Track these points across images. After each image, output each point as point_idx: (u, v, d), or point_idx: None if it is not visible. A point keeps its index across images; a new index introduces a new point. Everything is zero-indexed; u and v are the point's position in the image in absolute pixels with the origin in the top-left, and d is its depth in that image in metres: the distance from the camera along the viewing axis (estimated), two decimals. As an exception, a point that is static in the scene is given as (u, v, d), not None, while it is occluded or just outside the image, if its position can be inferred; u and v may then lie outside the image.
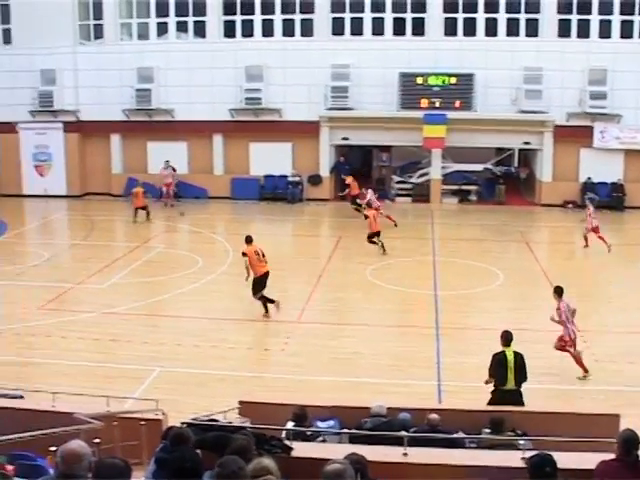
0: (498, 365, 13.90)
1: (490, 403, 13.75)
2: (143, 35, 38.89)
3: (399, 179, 37.56)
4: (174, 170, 37.40)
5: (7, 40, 39.60)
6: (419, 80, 35.27)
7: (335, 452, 8.30)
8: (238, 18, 37.46)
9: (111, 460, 5.58)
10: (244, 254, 21.14)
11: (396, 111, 35.37)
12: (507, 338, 14.09)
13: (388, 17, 36.15)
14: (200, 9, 37.61)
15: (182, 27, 38.28)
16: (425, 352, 18.15)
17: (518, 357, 13.89)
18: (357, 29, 36.43)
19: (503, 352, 13.96)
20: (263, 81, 36.65)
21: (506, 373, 13.80)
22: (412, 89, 35.29)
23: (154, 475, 7.74)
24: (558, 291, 17.04)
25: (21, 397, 12.87)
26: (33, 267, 26.93)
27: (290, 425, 10.67)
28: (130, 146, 39.42)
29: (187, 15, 37.93)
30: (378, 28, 36.30)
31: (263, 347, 19.01)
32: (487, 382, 14.10)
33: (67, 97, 38.81)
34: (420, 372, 17.02)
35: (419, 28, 35.93)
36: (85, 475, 5.84)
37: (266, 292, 21.09)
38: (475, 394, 14.91)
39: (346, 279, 24.84)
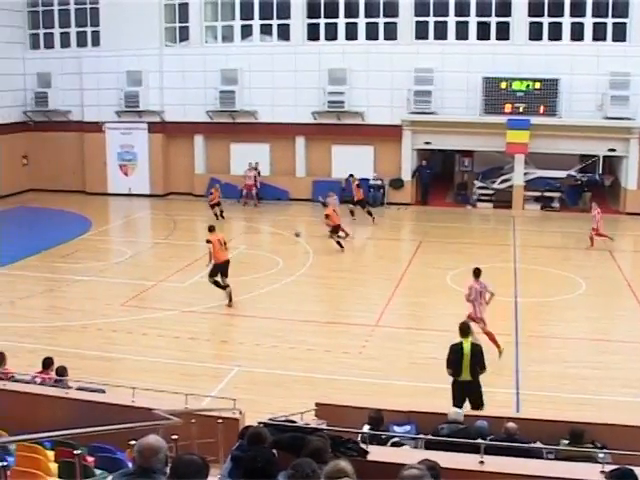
0: (453, 355, 14.24)
1: (453, 397, 14.11)
2: (227, 37, 39.31)
3: (481, 184, 37.22)
4: (259, 173, 37.74)
5: (95, 42, 40.48)
6: (503, 85, 34.94)
7: (411, 457, 8.30)
8: (322, 21, 37.62)
9: (189, 457, 5.67)
10: (208, 241, 22.50)
11: (479, 116, 35.08)
12: (464, 329, 14.45)
13: (472, 21, 35.87)
14: (284, 12, 37.86)
15: (266, 30, 38.59)
16: (503, 360, 17.99)
17: (474, 348, 14.23)
18: (441, 33, 36.23)
19: (460, 343, 14.28)
20: (346, 84, 36.71)
21: (461, 364, 14.10)
22: (496, 94, 34.96)
23: (230, 473, 7.84)
24: (476, 272, 18.71)
25: (102, 391, 13.15)
26: (116, 264, 27.47)
27: (366, 428, 10.71)
28: (213, 147, 39.88)
29: (271, 18, 38.22)
30: (462, 32, 36.04)
31: (341, 350, 19.03)
32: (450, 374, 14.36)
33: (152, 98, 39.49)
34: (498, 380, 16.86)
35: (503, 32, 35.56)
36: (162, 469, 5.95)
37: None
38: (554, 404, 14.78)
39: (426, 284, 24.75)
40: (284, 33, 38.22)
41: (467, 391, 14.11)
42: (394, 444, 10.40)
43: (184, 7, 39.23)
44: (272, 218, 35.28)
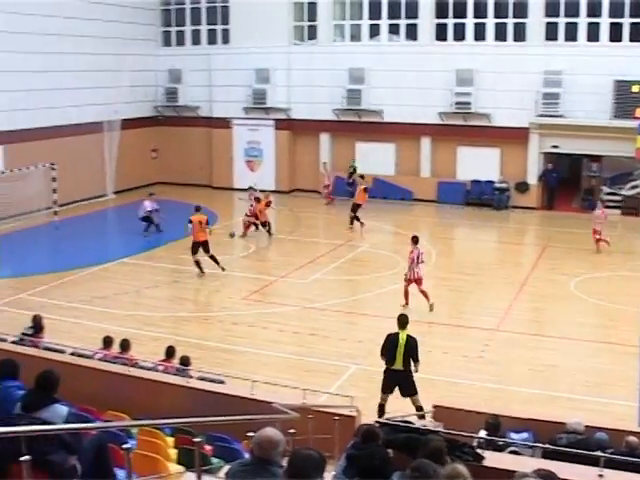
0: (388, 345, 14.93)
1: (382, 383, 14.89)
2: (355, 36, 39.43)
3: (609, 190, 36.30)
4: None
5: (225, 40, 41.27)
6: (635, 88, 33.86)
7: (527, 465, 8.18)
8: (450, 21, 37.32)
9: (307, 451, 5.71)
10: (190, 221, 25.49)
11: (609, 120, 34.14)
12: (402, 321, 15.12)
13: (604, 22, 34.88)
14: (412, 11, 37.71)
15: (394, 29, 38.54)
16: (627, 371, 17.49)
17: (410, 340, 14.82)
18: (571, 34, 35.41)
19: (397, 334, 14.94)
20: (473, 85, 36.34)
21: (395, 354, 14.75)
22: (627, 97, 33.94)
23: (344, 471, 7.87)
24: (414, 239, 22.44)
25: (222, 382, 13.39)
26: (240, 258, 27.93)
27: (483, 434, 10.60)
28: (339, 145, 40.06)
29: (399, 17, 38.14)
30: (593, 33, 35.12)
31: (460, 353, 18.88)
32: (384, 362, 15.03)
33: (279, 95, 39.94)
34: (620, 391, 16.45)
35: (637, 33, 34.52)
36: (279, 462, 6.03)
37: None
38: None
39: (549, 290, 24.30)
40: (412, 33, 38.08)
41: (398, 380, 14.80)
42: (512, 452, 10.27)
43: (313, 6, 39.55)
44: (395, 218, 35.21)
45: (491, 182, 36.97)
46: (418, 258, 22.01)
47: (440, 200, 37.67)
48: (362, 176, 34.17)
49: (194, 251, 25.47)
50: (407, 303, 21.92)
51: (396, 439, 8.69)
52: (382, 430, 8.42)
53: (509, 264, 27.55)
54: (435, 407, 12.73)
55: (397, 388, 14.90)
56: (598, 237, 28.37)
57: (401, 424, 9.81)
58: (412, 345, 14.79)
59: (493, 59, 35.96)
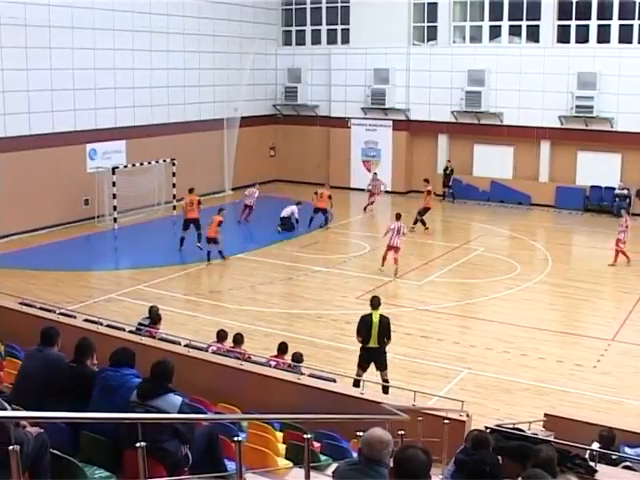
0: (362, 325, 15.95)
1: (358, 360, 15.95)
2: (475, 38, 39.06)
3: None
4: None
5: (345, 40, 41.45)
6: None
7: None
8: (573, 23, 36.58)
9: (414, 450, 5.68)
10: (182, 199, 28.87)
11: None
12: (373, 303, 16.24)
13: None
14: (534, 13, 37.12)
15: (515, 31, 38.03)
16: None
17: (383, 320, 15.94)
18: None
19: (370, 314, 15.99)
20: (596, 89, 35.56)
21: (370, 332, 15.78)
22: None
23: (452, 475, 7.82)
24: (397, 216, 26.12)
25: (333, 380, 13.45)
26: (355, 257, 28.00)
27: (596, 446, 10.38)
28: (457, 147, 39.77)
29: (521, 19, 37.60)
30: None
31: (574, 361, 18.53)
32: (358, 341, 16.06)
33: (398, 96, 39.87)
34: None
35: None
36: (387, 462, 6.02)
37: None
38: None
39: (669, 300, 23.64)
40: (533, 35, 37.51)
41: (373, 356, 15.88)
42: (626, 467, 10.03)
43: (433, 7, 39.35)
44: (512, 222, 34.77)
45: (611, 188, 36.12)
46: (399, 230, 25.53)
47: (558, 205, 36.99)
48: (427, 180, 33.82)
49: (184, 228, 28.21)
50: (382, 265, 25.78)
51: (507, 446, 8.59)
52: (493, 437, 8.34)
53: (628, 273, 26.85)
54: (546, 416, 12.53)
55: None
56: (618, 249, 27.31)
57: (512, 431, 9.69)
58: (385, 324, 15.93)
59: (617, 62, 35.10)
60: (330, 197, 32.48)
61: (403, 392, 13.27)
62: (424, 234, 31.36)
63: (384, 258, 25.87)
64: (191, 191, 28.92)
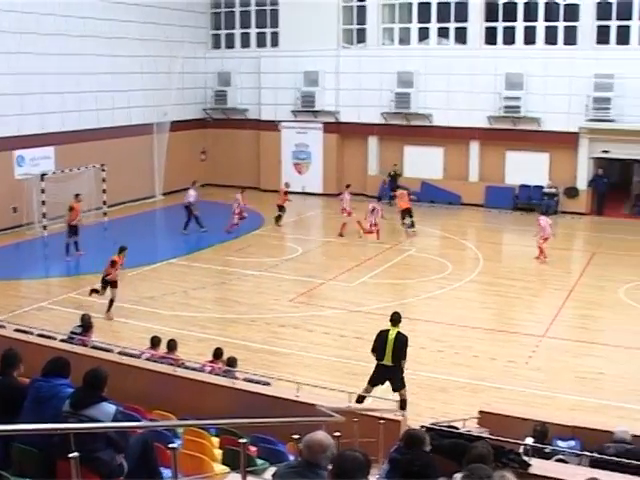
0: (378, 341, 15.33)
1: (371, 376, 15.24)
2: (404, 40, 39.36)
3: (660, 196, 35.86)
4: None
5: (274, 43, 41.49)
6: (687, 92, 33.41)
7: (574, 474, 8.12)
8: (500, 25, 37.12)
9: (352, 453, 5.69)
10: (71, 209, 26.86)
11: (661, 125, 33.75)
12: (393, 319, 15.60)
13: (657, 25, 34.58)
14: (462, 15, 37.58)
15: (443, 33, 38.43)
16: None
17: (399, 337, 15.19)
18: (623, 37, 34.99)
19: (387, 330, 15.35)
20: (523, 89, 36.09)
21: (384, 349, 15.12)
22: (680, 102, 33.50)
23: (387, 474, 7.86)
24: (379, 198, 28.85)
25: (268, 384, 13.42)
26: (287, 261, 27.99)
27: (529, 441, 10.51)
28: (387, 149, 40.00)
29: (449, 21, 38.03)
30: (646, 36, 34.82)
31: (507, 358, 18.76)
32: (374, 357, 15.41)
33: (328, 98, 40.00)
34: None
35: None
36: (326, 466, 6.01)
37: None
38: None
39: (598, 296, 24.07)
40: (461, 36, 37.94)
41: (387, 375, 15.20)
42: (559, 460, 10.17)
43: (362, 9, 39.58)
44: (442, 222, 35.07)
45: (540, 187, 36.70)
46: (374, 210, 30.02)
47: (488, 205, 37.45)
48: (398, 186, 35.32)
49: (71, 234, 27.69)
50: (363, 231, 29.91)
51: (442, 444, 8.66)
52: (428, 435, 8.38)
53: (557, 270, 27.29)
54: (481, 413, 12.66)
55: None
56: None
57: (447, 430, 9.77)
58: (401, 342, 15.19)
59: (543, 63, 35.71)
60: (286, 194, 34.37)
61: (338, 393, 13.28)
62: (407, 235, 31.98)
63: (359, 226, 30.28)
64: (77, 196, 28.40)
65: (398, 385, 15.16)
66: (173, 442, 7.08)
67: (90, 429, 7.17)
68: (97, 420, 7.44)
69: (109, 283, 22.14)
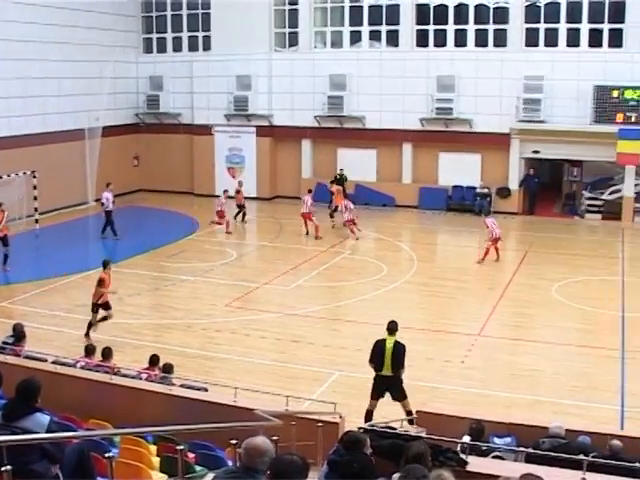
0: (376, 351, 14.99)
1: (372, 389, 14.87)
2: (336, 43, 39.48)
3: (590, 195, 36.47)
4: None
5: (206, 47, 41.26)
6: (614, 93, 34.02)
7: (511, 470, 8.22)
8: (431, 27, 37.46)
9: (290, 456, 5.71)
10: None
11: (589, 125, 34.30)
12: (390, 328, 15.32)
13: (584, 27, 35.10)
14: (393, 18, 37.84)
15: (375, 36, 38.66)
16: (608, 375, 17.64)
17: (397, 346, 14.90)
18: (551, 40, 35.60)
19: (383, 340, 15.06)
20: (454, 91, 36.47)
21: (382, 359, 14.82)
22: (607, 102, 34.09)
23: (326, 476, 7.87)
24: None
25: (205, 390, 13.37)
26: (222, 265, 27.88)
27: (466, 439, 10.61)
28: (320, 152, 40.08)
29: (380, 24, 38.26)
30: (573, 39, 35.34)
31: (443, 358, 18.92)
32: (372, 368, 15.07)
33: (261, 102, 39.94)
34: (602, 395, 16.56)
35: (616, 39, 34.69)
36: (265, 471, 6.01)
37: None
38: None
39: (531, 295, 24.38)
40: (393, 39, 38.20)
41: (387, 385, 14.84)
42: (495, 457, 10.29)
43: (294, 12, 39.61)
44: (377, 224, 35.23)
45: (472, 188, 37.11)
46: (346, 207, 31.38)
47: (422, 206, 37.75)
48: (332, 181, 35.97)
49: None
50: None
51: (380, 445, 8.70)
52: (367, 437, 8.41)
53: (491, 269, 27.61)
54: (418, 412, 12.76)
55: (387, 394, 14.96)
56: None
57: (384, 430, 9.82)
58: (399, 351, 14.87)
59: (474, 65, 36.14)
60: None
61: (276, 397, 13.26)
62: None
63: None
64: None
65: (399, 395, 14.85)
66: (109, 451, 7.02)
67: (23, 441, 7.06)
68: (31, 431, 7.32)
69: (101, 306, 20.39)
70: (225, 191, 34.69)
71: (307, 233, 32.36)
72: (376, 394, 14.91)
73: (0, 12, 32.59)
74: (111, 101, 39.44)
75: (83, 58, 37.31)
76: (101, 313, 20.43)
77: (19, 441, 6.93)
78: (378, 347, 15.03)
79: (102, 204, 31.91)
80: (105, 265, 20.82)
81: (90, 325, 20.17)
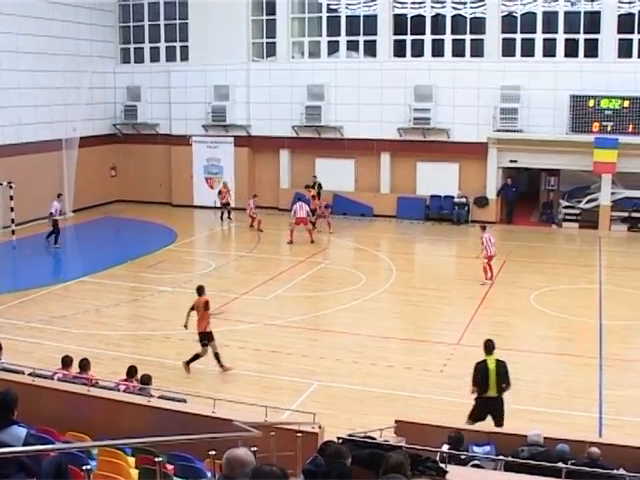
0: (480, 373, 14.46)
1: (472, 411, 14.36)
2: (314, 53, 39.58)
3: (567, 204, 36.65)
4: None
5: (184, 57, 41.25)
6: (591, 103, 34.25)
7: (491, 478, 8.22)
8: (408, 38, 37.61)
9: (269, 467, 5.68)
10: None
11: (566, 134, 34.50)
12: (489, 346, 14.75)
13: (560, 38, 35.36)
14: (371, 28, 37.97)
15: (353, 46, 38.77)
16: (587, 383, 17.71)
17: (500, 365, 14.48)
18: (528, 50, 35.83)
19: (484, 361, 14.57)
20: (432, 101, 36.59)
21: (487, 381, 14.34)
22: (583, 112, 34.30)
23: (303, 486, 7.84)
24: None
25: (184, 401, 13.29)
26: (200, 276, 27.75)
27: (445, 448, 10.61)
28: (298, 162, 40.09)
29: (358, 34, 38.38)
30: (549, 49, 35.59)
31: (422, 367, 18.92)
32: (473, 392, 14.55)
33: (239, 112, 39.93)
34: (580, 403, 16.61)
35: (592, 49, 34.96)
36: (243, 482, 5.98)
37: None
38: (638, 429, 14.44)
39: (509, 303, 24.45)
40: (370, 49, 38.31)
41: (491, 407, 14.35)
42: (474, 465, 10.30)
43: (271, 23, 39.66)
44: (355, 234, 35.27)
45: (450, 197, 37.20)
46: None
47: (400, 215, 37.79)
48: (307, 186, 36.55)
49: None
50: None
51: (359, 455, 8.67)
52: (346, 446, 8.39)
53: (469, 278, 27.66)
54: (397, 422, 12.74)
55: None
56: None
57: (364, 440, 9.79)
58: (504, 369, 14.50)
59: (451, 75, 36.27)
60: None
61: (255, 408, 13.22)
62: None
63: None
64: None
65: (501, 419, 14.31)
66: (87, 464, 6.97)
67: (0, 454, 7.00)
68: (7, 444, 7.26)
69: (207, 335, 18.76)
70: (254, 196, 36.45)
71: (291, 242, 32.45)
72: (478, 417, 14.32)
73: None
74: (88, 111, 39.33)
75: (60, 68, 37.21)
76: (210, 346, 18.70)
77: (-5, 454, 6.86)
78: (482, 369, 14.53)
79: (51, 214, 31.76)
80: (200, 292, 19.18)
81: (197, 357, 18.63)
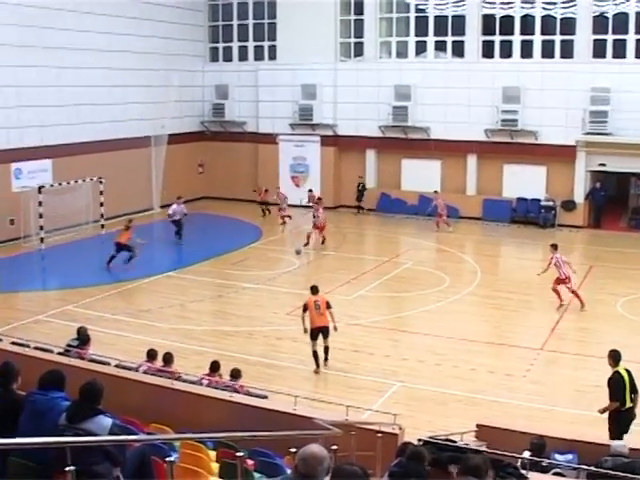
0: (618, 387, 13.83)
1: (613, 427, 13.67)
2: (402, 53, 39.48)
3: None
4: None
5: (272, 56, 41.57)
6: (683, 105, 33.42)
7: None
8: (497, 38, 37.24)
9: (350, 467, 5.66)
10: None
11: (658, 138, 33.77)
12: (616, 357, 14.17)
13: (653, 39, 34.73)
14: (459, 28, 37.71)
15: (440, 46, 38.55)
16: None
17: (630, 373, 13.98)
18: (619, 51, 35.11)
19: (618, 372, 13.96)
20: (520, 103, 36.15)
21: (624, 393, 13.79)
22: (677, 115, 33.52)
23: (385, 488, 7.83)
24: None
25: (265, 397, 13.39)
26: (284, 274, 27.95)
27: (527, 454, 10.48)
28: (384, 162, 40.02)
29: (446, 34, 38.14)
30: (642, 50, 34.95)
31: (505, 372, 18.73)
32: (606, 409, 13.94)
33: (326, 111, 40.05)
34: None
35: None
36: (323, 479, 5.97)
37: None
38: None
39: (595, 309, 23.99)
40: (458, 50, 38.04)
41: (628, 417, 13.90)
42: (556, 473, 10.14)
43: (359, 23, 39.70)
44: (440, 235, 35.02)
45: (537, 200, 36.69)
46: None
47: (485, 218, 37.44)
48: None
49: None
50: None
51: (439, 457, 8.64)
52: (426, 448, 8.37)
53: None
54: (479, 426, 12.63)
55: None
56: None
57: (445, 443, 9.75)
58: (632, 378, 14.05)
59: (540, 76, 35.79)
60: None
61: (336, 407, 13.26)
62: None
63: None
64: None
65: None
66: (170, 455, 7.05)
67: (86, 442, 7.14)
68: (93, 433, 7.39)
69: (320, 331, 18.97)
70: (310, 190, 37.58)
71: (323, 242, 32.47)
72: (623, 431, 13.60)
73: (73, 23, 33.27)
74: (177, 109, 39.90)
75: (150, 67, 37.82)
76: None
77: (82, 442, 6.99)
78: (619, 381, 13.93)
79: (169, 215, 32.39)
80: (314, 291, 19.61)
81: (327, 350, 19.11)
